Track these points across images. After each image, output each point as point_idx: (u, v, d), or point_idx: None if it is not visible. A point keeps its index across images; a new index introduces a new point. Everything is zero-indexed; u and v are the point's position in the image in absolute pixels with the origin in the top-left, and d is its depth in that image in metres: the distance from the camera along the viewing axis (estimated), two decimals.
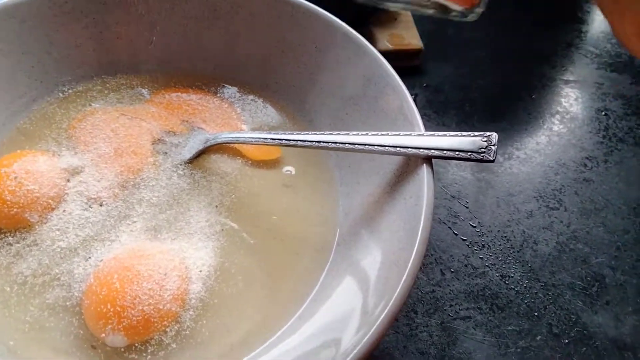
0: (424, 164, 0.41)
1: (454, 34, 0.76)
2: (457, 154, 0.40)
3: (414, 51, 0.68)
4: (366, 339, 0.33)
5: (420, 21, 0.72)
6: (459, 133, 0.40)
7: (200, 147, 0.51)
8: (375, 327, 0.34)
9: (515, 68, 0.72)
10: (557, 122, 0.65)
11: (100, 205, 0.47)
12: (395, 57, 0.57)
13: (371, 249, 0.43)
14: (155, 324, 0.40)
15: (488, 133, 0.40)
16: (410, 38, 0.68)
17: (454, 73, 0.70)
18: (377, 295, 0.37)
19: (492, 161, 0.39)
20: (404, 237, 0.39)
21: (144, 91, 0.57)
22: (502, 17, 0.79)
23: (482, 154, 0.39)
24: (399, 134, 0.42)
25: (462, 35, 0.76)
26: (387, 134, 0.42)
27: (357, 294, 0.40)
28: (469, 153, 0.39)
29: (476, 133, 0.40)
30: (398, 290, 0.35)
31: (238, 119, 0.55)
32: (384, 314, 0.34)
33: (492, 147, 0.39)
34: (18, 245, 0.44)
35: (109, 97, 0.55)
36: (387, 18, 0.70)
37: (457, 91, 0.67)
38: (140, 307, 0.39)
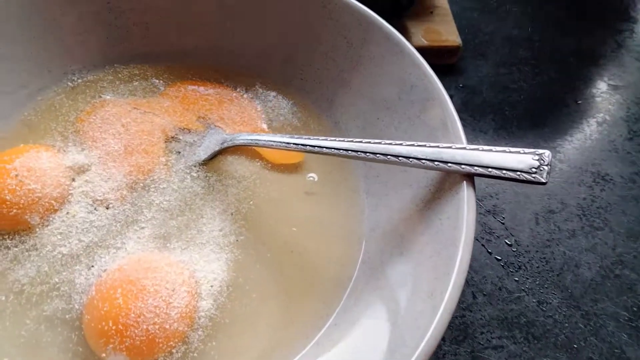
0: (465, 182, 0.37)
1: (495, 31, 0.70)
2: (504, 173, 0.35)
3: (452, 48, 0.63)
4: None
5: (458, 15, 0.66)
6: (506, 149, 0.36)
7: (217, 148, 0.47)
8: None
9: (560, 70, 0.66)
10: (604, 131, 0.60)
11: (107, 208, 0.43)
12: (431, 54, 0.52)
13: (401, 273, 0.39)
14: (161, 345, 0.37)
15: (540, 150, 0.35)
16: (447, 34, 0.63)
17: (493, 73, 0.64)
18: (408, 331, 0.33)
19: (544, 184, 0.34)
20: (439, 264, 0.35)
21: (159, 83, 0.53)
22: (547, 14, 0.73)
23: (532, 175, 0.34)
24: (438, 146, 0.37)
25: (503, 32, 0.70)
26: (425, 145, 0.38)
27: (384, 324, 0.36)
28: (518, 173, 0.35)
29: (526, 150, 0.35)
30: (432, 329, 0.31)
31: (258, 117, 0.51)
32: (415, 356, 0.30)
33: (545, 167, 0.35)
34: (16, 249, 0.41)
35: (121, 88, 0.51)
36: (423, 10, 0.65)
37: (496, 93, 0.62)
38: (145, 326, 0.36)
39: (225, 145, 0.47)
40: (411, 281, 0.37)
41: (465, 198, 0.36)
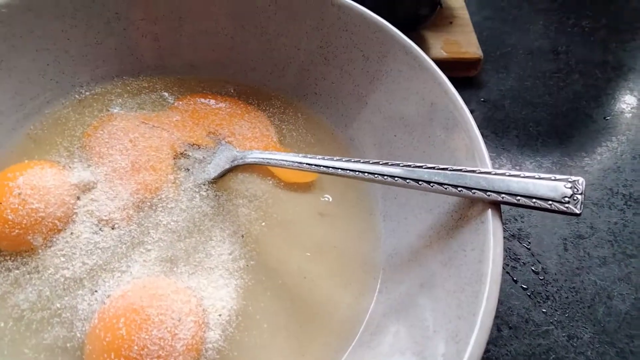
0: (490, 210, 0.34)
1: (517, 42, 0.67)
2: (534, 202, 0.32)
3: (472, 61, 0.60)
4: None
5: (478, 25, 0.64)
6: (535, 174, 0.33)
7: (227, 167, 0.45)
8: None
9: (587, 84, 0.63)
10: (635, 150, 0.56)
11: (112, 229, 0.41)
12: (450, 67, 0.50)
13: (421, 308, 0.36)
14: None
15: (573, 177, 0.32)
16: (467, 45, 0.61)
17: (517, 87, 0.62)
18: None
19: (579, 215, 0.32)
20: (464, 302, 0.33)
21: (168, 96, 0.51)
22: (572, 24, 0.70)
23: (565, 205, 0.32)
24: (461, 170, 0.35)
25: (526, 44, 0.67)
26: (447, 169, 0.35)
27: None
28: (549, 202, 0.32)
29: (558, 176, 0.33)
30: None
31: (270, 132, 0.49)
32: None
33: (579, 197, 0.32)
34: (17, 271, 0.39)
35: (129, 102, 0.50)
36: (442, 21, 0.63)
37: (519, 108, 0.59)
38: None
39: (236, 163, 0.45)
40: (433, 318, 0.34)
41: (492, 228, 0.33)
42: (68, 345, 0.37)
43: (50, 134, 0.47)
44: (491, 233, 0.33)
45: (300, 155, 0.41)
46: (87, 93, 0.49)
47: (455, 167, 0.35)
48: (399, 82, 0.44)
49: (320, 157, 0.40)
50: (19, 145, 0.46)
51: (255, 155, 0.44)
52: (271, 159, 0.43)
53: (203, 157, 0.47)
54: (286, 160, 0.41)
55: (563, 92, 0.62)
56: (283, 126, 0.50)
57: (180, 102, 0.50)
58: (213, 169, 0.45)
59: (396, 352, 0.35)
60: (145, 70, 0.51)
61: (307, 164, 0.40)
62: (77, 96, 0.49)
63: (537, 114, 0.59)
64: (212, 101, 0.50)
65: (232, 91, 0.52)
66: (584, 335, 0.43)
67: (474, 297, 0.32)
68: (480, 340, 0.30)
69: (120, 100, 0.50)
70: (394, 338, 0.36)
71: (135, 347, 0.34)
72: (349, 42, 0.47)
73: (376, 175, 0.37)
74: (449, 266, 0.35)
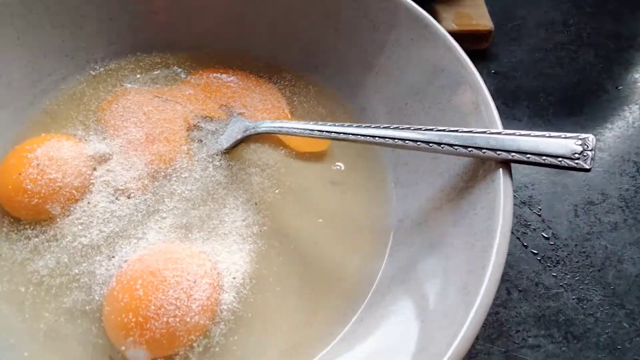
0: (501, 169, 0.34)
1: (528, 14, 0.67)
2: (544, 159, 0.33)
3: (483, 33, 0.60)
4: None
5: None
6: (545, 133, 0.33)
7: (239, 137, 0.46)
8: None
9: (599, 54, 0.63)
10: None
11: (128, 198, 0.42)
12: (462, 39, 0.49)
13: (431, 267, 0.36)
14: (181, 339, 0.35)
15: (583, 135, 0.33)
16: (478, 18, 0.60)
17: (528, 59, 0.61)
18: (439, 328, 0.31)
19: (588, 170, 0.32)
20: (473, 257, 0.33)
21: (181, 71, 0.52)
22: None
23: (575, 161, 0.32)
24: (471, 132, 0.35)
25: (537, 16, 0.67)
26: (457, 131, 0.35)
27: (413, 321, 0.34)
28: (559, 159, 0.32)
29: (568, 134, 0.33)
30: (466, 326, 0.29)
31: (281, 104, 0.50)
32: (447, 356, 0.28)
33: (589, 153, 0.32)
34: (37, 239, 0.40)
35: (143, 77, 0.50)
36: None
37: (530, 79, 0.59)
38: (165, 319, 0.35)
39: (248, 133, 0.45)
40: (442, 275, 0.35)
41: (502, 186, 0.34)
42: (87, 307, 0.38)
43: (66, 108, 0.48)
44: (501, 190, 0.34)
45: (312, 122, 0.41)
46: (102, 69, 0.50)
47: (465, 129, 0.35)
48: (409, 50, 0.45)
49: (331, 124, 0.40)
50: (36, 120, 0.47)
51: (267, 125, 0.45)
52: (283, 127, 0.43)
53: (216, 128, 0.47)
54: (298, 128, 0.42)
55: (575, 64, 0.61)
56: (294, 98, 0.50)
57: (193, 77, 0.51)
58: (226, 140, 0.46)
59: (405, 309, 0.35)
60: (158, 46, 0.52)
61: (318, 130, 0.40)
62: (91, 72, 0.50)
63: (548, 85, 0.59)
64: (224, 75, 0.51)
65: (243, 65, 0.52)
66: (593, 297, 0.43)
67: (483, 252, 0.32)
68: (489, 291, 0.30)
69: (133, 75, 0.50)
70: (404, 296, 0.37)
71: (152, 307, 0.35)
72: (359, 13, 0.47)
73: (387, 139, 0.37)
74: (459, 225, 0.36)
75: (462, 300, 0.31)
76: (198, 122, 0.47)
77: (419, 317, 0.34)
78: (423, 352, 0.31)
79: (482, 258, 0.32)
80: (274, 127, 0.44)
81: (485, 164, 0.36)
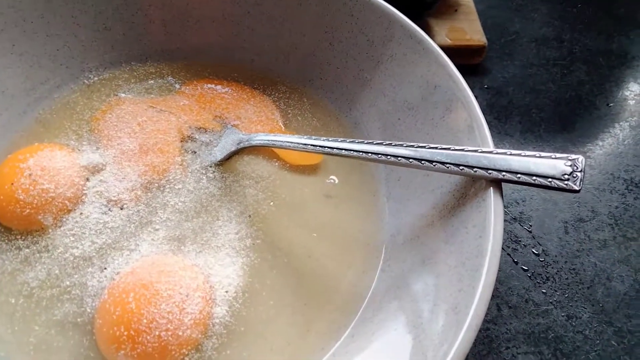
0: (491, 188, 0.35)
1: (521, 30, 0.68)
2: (534, 180, 0.33)
3: (477, 48, 0.60)
4: None
5: (483, 13, 0.64)
6: (536, 153, 0.34)
7: (233, 149, 0.46)
8: None
9: (590, 71, 0.64)
10: (637, 136, 0.57)
11: (121, 209, 0.42)
12: (455, 54, 0.50)
13: (422, 284, 0.37)
14: (173, 352, 0.35)
15: (573, 156, 0.33)
16: (472, 33, 0.61)
17: (520, 74, 0.62)
18: (431, 346, 0.32)
19: (578, 191, 0.32)
20: (464, 276, 0.33)
21: (175, 81, 0.52)
22: (576, 12, 0.70)
23: (565, 182, 0.32)
24: (463, 150, 0.35)
25: (530, 31, 0.68)
26: (449, 149, 0.36)
27: (405, 338, 0.34)
28: (549, 179, 0.33)
29: (558, 155, 0.33)
30: (456, 345, 0.29)
31: (275, 116, 0.50)
32: None
33: (578, 174, 0.32)
34: (28, 250, 0.40)
35: (137, 87, 0.50)
36: (447, 8, 0.63)
37: (522, 95, 0.60)
38: (157, 332, 0.35)
39: (242, 145, 0.45)
40: (434, 293, 0.35)
41: (492, 205, 0.34)
42: (78, 320, 0.38)
43: (59, 118, 0.48)
44: (492, 209, 0.34)
45: (305, 136, 0.42)
46: (96, 78, 0.50)
47: (457, 147, 0.36)
48: (404, 66, 0.45)
49: (324, 138, 0.41)
50: (29, 129, 0.47)
51: (261, 137, 0.45)
52: (277, 140, 0.43)
53: (209, 140, 0.47)
54: (291, 142, 0.42)
55: (566, 80, 0.62)
56: (289, 110, 0.50)
57: (187, 87, 0.51)
58: (219, 152, 0.46)
59: (397, 325, 0.36)
60: (153, 56, 0.52)
61: (312, 145, 0.41)
62: (85, 81, 0.50)
63: (540, 101, 0.59)
64: (219, 86, 0.51)
65: (237, 76, 0.52)
66: (582, 314, 0.44)
67: (474, 271, 0.32)
68: (479, 310, 0.30)
69: (127, 85, 0.50)
70: (395, 313, 0.37)
71: (145, 320, 0.35)
72: (354, 27, 0.47)
73: (380, 156, 0.37)
74: (450, 243, 0.36)
75: (453, 319, 0.31)
76: (192, 133, 0.48)
77: (411, 334, 0.34)
78: None
79: (472, 277, 0.32)
80: (268, 140, 0.44)
81: (477, 182, 0.36)
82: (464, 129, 0.39)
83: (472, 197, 0.36)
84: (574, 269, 0.46)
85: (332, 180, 0.46)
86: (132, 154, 0.45)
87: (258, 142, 0.45)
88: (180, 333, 0.35)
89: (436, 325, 0.33)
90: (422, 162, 0.36)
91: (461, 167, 0.35)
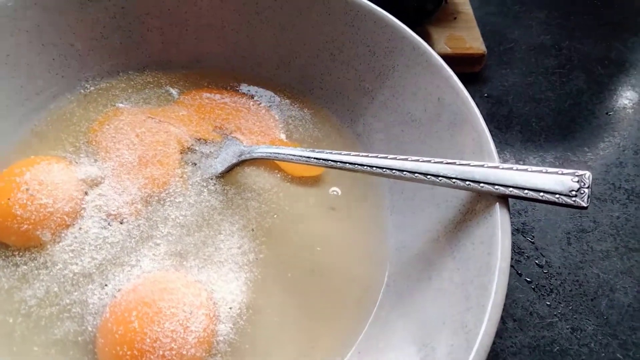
0: (498, 204, 0.34)
1: (520, 38, 0.68)
2: (541, 196, 0.33)
3: (476, 56, 0.60)
4: None
5: (481, 21, 0.64)
6: (542, 169, 0.33)
7: (234, 161, 0.45)
8: None
9: (589, 79, 0.64)
10: (638, 146, 0.57)
11: (121, 223, 0.41)
12: (454, 62, 0.50)
13: (429, 301, 0.36)
14: None
15: (580, 172, 0.33)
16: (471, 41, 0.61)
17: (520, 82, 0.62)
18: None
19: (585, 208, 0.32)
20: (472, 294, 0.33)
21: (173, 91, 0.51)
22: (574, 20, 0.70)
23: (572, 198, 0.32)
24: (469, 165, 0.35)
25: (528, 40, 0.68)
26: (455, 163, 0.35)
27: (412, 357, 0.34)
28: (557, 195, 0.32)
29: (565, 170, 0.33)
30: None
31: (276, 127, 0.49)
32: None
33: (586, 190, 0.32)
34: (25, 267, 0.39)
35: (134, 96, 0.50)
36: (446, 16, 0.63)
37: (522, 104, 0.60)
38: (161, 352, 0.34)
39: (243, 157, 0.45)
40: (441, 310, 0.35)
41: (499, 221, 0.34)
42: (79, 339, 0.37)
43: (55, 129, 0.47)
44: (499, 226, 0.34)
45: (308, 149, 0.41)
46: (92, 88, 0.49)
47: (463, 162, 0.35)
48: (406, 78, 0.45)
49: (328, 151, 0.40)
50: (24, 141, 0.46)
51: (263, 150, 0.44)
52: (279, 153, 0.43)
53: (210, 151, 0.47)
54: (294, 155, 0.42)
55: (565, 88, 0.62)
56: (289, 121, 0.50)
57: (186, 97, 0.50)
58: (220, 164, 0.45)
59: (404, 343, 0.35)
60: (151, 65, 0.51)
61: (315, 158, 0.40)
62: (82, 91, 0.49)
63: (540, 110, 0.59)
64: (218, 96, 0.50)
65: (237, 86, 0.52)
66: (587, 327, 0.44)
67: (482, 289, 0.32)
68: (489, 330, 0.30)
69: (125, 95, 0.49)
70: (402, 331, 0.36)
71: (148, 340, 0.34)
72: (356, 38, 0.47)
73: (384, 169, 0.37)
74: (457, 259, 0.36)
75: (463, 338, 0.31)
76: (192, 145, 0.47)
77: (419, 354, 0.34)
78: None
79: (481, 296, 0.32)
80: (270, 152, 0.44)
81: (483, 197, 0.36)
82: (469, 142, 0.39)
83: (478, 212, 0.36)
84: (577, 281, 0.46)
85: (335, 192, 0.45)
86: (131, 166, 0.44)
87: (260, 154, 0.44)
88: (185, 352, 0.35)
89: (446, 345, 0.32)
90: (427, 176, 0.35)
91: (467, 183, 0.34)
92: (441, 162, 0.36)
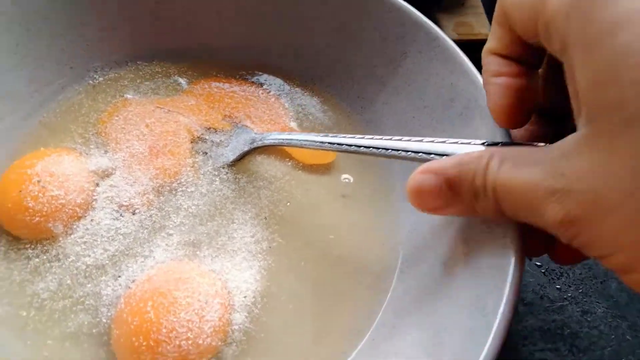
0: None
1: None
2: None
3: (484, 42, 0.59)
4: None
5: (489, 7, 0.63)
6: None
7: (246, 149, 0.45)
8: None
9: None
10: None
11: (133, 214, 0.41)
12: (463, 48, 0.49)
13: (443, 284, 0.36)
14: None
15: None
16: (479, 27, 0.61)
17: None
18: (456, 349, 0.31)
19: None
20: (488, 277, 0.33)
21: (182, 80, 0.50)
22: None
23: None
24: (484, 144, 0.35)
25: None
26: (470, 143, 0.35)
27: (428, 341, 0.34)
28: None
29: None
30: (487, 348, 0.29)
31: (286, 115, 0.49)
32: None
33: None
34: (37, 260, 0.39)
35: (143, 87, 0.49)
36: (454, 3, 0.62)
37: None
38: (178, 342, 0.34)
39: (255, 145, 0.45)
40: (457, 294, 0.35)
41: None
42: (94, 331, 0.37)
43: (64, 120, 0.46)
44: None
45: (321, 134, 0.41)
46: (101, 79, 0.49)
47: (478, 141, 0.35)
48: (419, 64, 0.44)
49: (341, 135, 0.40)
50: (33, 134, 0.45)
51: (275, 136, 0.44)
52: (292, 139, 0.42)
53: (220, 140, 0.46)
54: (307, 140, 0.41)
55: None
56: (299, 109, 0.49)
57: (195, 87, 0.50)
58: (231, 152, 0.45)
59: (419, 329, 0.35)
60: (159, 55, 0.51)
61: (328, 143, 0.40)
62: (90, 82, 0.49)
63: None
64: (227, 85, 0.50)
65: (245, 74, 0.51)
66: (597, 310, 0.44)
67: (499, 271, 0.32)
68: (507, 312, 0.30)
69: (133, 85, 0.49)
70: (416, 316, 0.36)
71: (164, 330, 0.34)
72: (367, 24, 0.47)
73: (400, 151, 0.36)
74: (472, 243, 0.36)
75: (480, 321, 0.31)
76: (202, 134, 0.47)
77: (435, 338, 0.34)
78: None
79: (499, 278, 0.32)
80: (282, 139, 0.43)
81: None
82: (482, 128, 0.38)
83: None
84: (587, 264, 0.47)
85: (347, 179, 0.45)
86: (142, 157, 0.44)
87: (271, 141, 0.44)
88: (201, 342, 0.35)
89: (461, 329, 0.32)
90: (444, 157, 0.35)
91: None
92: (456, 142, 0.35)
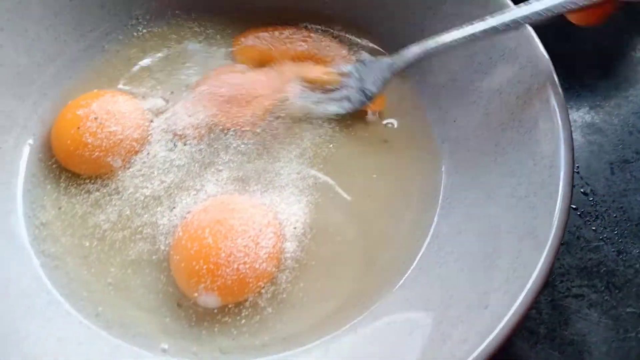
0: (560, 121, 0.36)
1: None
2: None
3: None
4: (491, 337, 0.29)
5: None
6: None
7: (388, 76, 0.43)
8: (501, 326, 0.30)
9: (629, 17, 0.64)
10: None
11: (184, 144, 0.43)
12: None
13: (490, 216, 0.38)
14: (251, 285, 0.37)
15: None
16: None
17: (558, 21, 0.62)
18: (508, 273, 0.33)
19: None
20: (537, 204, 0.34)
21: (220, 38, 0.50)
22: None
23: None
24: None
25: None
26: None
27: (477, 266, 0.36)
28: None
29: None
30: (538, 268, 0.31)
31: (348, 54, 0.48)
32: (513, 309, 0.30)
33: None
34: (97, 193, 0.41)
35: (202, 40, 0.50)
36: None
37: (562, 43, 0.60)
38: (236, 266, 0.36)
39: (396, 67, 0.43)
40: (504, 222, 0.36)
41: (562, 139, 0.35)
42: (153, 257, 0.39)
43: (111, 66, 0.48)
44: (562, 145, 0.35)
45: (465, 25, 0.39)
46: (145, 30, 0.50)
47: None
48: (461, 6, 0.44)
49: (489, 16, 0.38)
50: (82, 77, 0.47)
51: (414, 51, 0.41)
52: (438, 44, 0.40)
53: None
54: (457, 39, 0.39)
55: (605, 26, 0.62)
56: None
57: (244, 39, 0.49)
58: (374, 84, 0.44)
59: (467, 256, 0.37)
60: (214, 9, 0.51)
61: (481, 31, 0.38)
62: (134, 33, 0.49)
63: (580, 48, 0.60)
64: (287, 32, 0.49)
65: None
66: (632, 250, 0.45)
67: (548, 198, 0.33)
68: (557, 235, 0.32)
69: (194, 37, 0.50)
70: (462, 244, 0.38)
71: (223, 254, 0.36)
72: None
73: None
74: (518, 175, 0.37)
75: (532, 243, 0.33)
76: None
77: (484, 263, 0.35)
78: (488, 294, 0.33)
79: (547, 205, 0.33)
80: (426, 48, 0.40)
81: (542, 111, 0.37)
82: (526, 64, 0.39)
83: (541, 128, 0.37)
84: (621, 207, 0.48)
85: (390, 124, 0.46)
86: (219, 101, 0.44)
87: (412, 55, 0.41)
88: (257, 266, 0.37)
89: (511, 253, 0.34)
90: None
91: None
92: None
